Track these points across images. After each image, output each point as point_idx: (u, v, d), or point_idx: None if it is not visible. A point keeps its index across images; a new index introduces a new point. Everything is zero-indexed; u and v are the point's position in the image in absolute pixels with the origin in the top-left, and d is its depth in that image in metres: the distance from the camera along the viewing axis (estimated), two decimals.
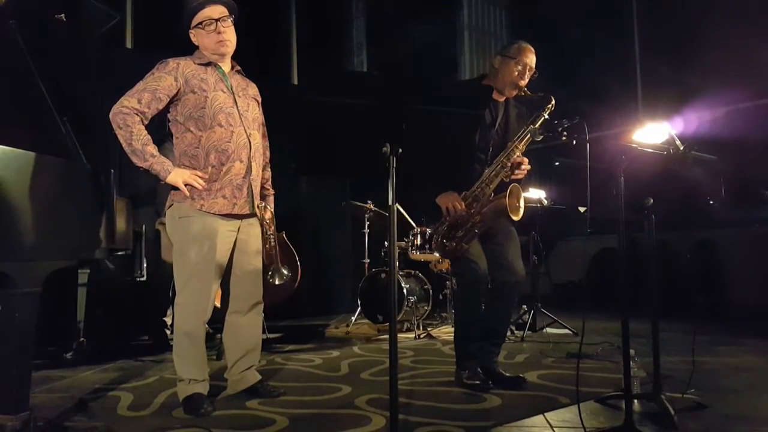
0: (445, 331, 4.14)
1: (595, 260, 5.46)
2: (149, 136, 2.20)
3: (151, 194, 3.88)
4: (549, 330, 4.05)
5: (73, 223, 2.03)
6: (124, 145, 2.18)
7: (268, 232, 2.53)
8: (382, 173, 1.64)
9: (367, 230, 4.55)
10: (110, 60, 4.18)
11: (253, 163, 2.32)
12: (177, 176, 2.19)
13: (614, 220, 2.06)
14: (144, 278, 3.69)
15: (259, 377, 2.47)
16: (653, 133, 2.40)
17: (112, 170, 2.16)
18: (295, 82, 5.91)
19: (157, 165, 2.18)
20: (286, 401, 2.39)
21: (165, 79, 2.21)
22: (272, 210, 2.56)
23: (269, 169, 2.57)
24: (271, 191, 2.59)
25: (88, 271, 3.37)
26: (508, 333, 3.79)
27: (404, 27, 5.95)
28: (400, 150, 1.63)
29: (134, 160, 2.18)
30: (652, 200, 2.21)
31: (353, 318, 4.41)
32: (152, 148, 2.18)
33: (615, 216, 2.05)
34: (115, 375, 2.95)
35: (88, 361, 3.25)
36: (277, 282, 2.74)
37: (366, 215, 4.50)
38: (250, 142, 2.31)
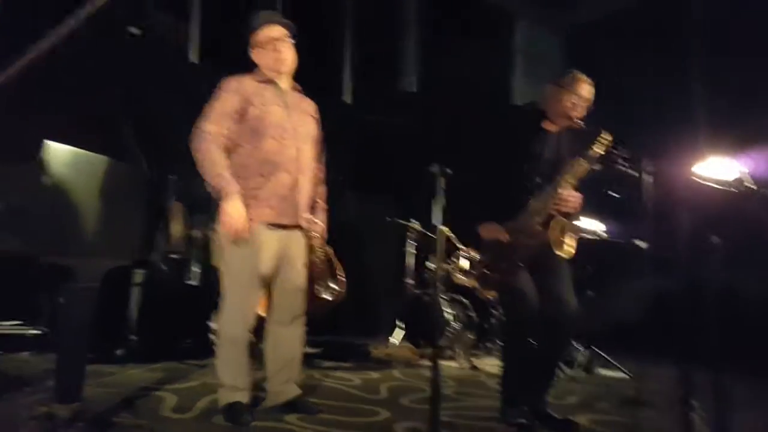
0: (491, 363, 3.99)
1: (654, 300, 5.19)
2: (222, 158, 2.26)
3: (206, 201, 3.99)
4: (603, 371, 3.86)
5: (133, 224, 2.12)
6: (198, 165, 2.27)
7: (317, 246, 2.54)
8: (429, 193, 1.64)
9: (410, 249, 4.49)
10: (176, 72, 4.39)
11: (300, 177, 2.36)
12: (229, 206, 2.21)
13: (676, 257, 1.96)
14: (195, 282, 3.80)
15: (299, 392, 2.47)
16: (719, 168, 2.28)
17: (171, 176, 2.25)
18: (348, 101, 6.00)
19: (220, 188, 2.23)
20: (324, 419, 2.37)
21: (230, 98, 2.32)
22: (322, 224, 2.58)
23: (323, 186, 2.61)
24: (323, 206, 2.62)
25: (143, 271, 3.50)
26: (559, 371, 3.63)
27: (456, 49, 5.95)
28: (449, 171, 1.63)
29: (206, 179, 2.27)
30: (717, 239, 2.09)
31: (394, 340, 4.35)
32: (221, 169, 2.23)
33: (677, 253, 1.95)
34: (161, 375, 3.03)
35: (136, 360, 3.35)
36: (326, 297, 2.74)
37: (410, 234, 4.46)
38: (298, 155, 2.35)
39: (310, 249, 2.50)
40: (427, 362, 3.96)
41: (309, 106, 2.52)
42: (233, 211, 2.20)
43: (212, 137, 2.26)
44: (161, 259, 2.36)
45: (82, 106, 2.21)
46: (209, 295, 3.88)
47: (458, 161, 1.64)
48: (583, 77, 2.53)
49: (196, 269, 3.76)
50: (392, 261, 5.49)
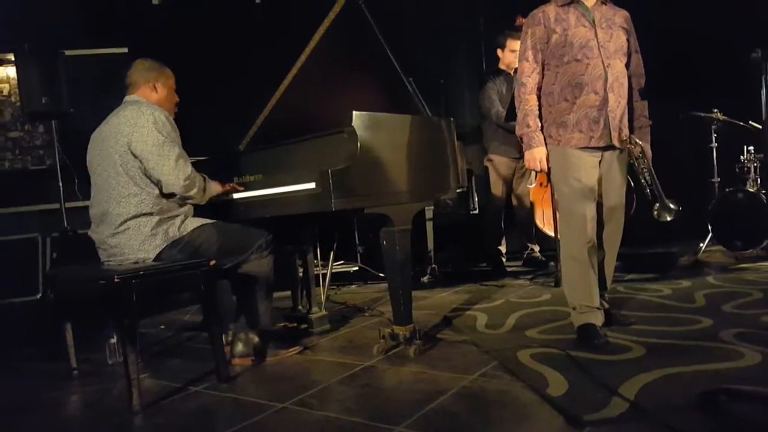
0: None
1: None
2: (532, 108, 2.33)
3: (476, 133, 4.15)
4: None
5: (432, 169, 2.37)
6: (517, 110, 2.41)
7: (642, 167, 2.41)
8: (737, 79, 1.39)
9: (714, 144, 3.89)
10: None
11: (610, 94, 2.24)
12: (528, 155, 2.34)
13: None
14: (476, 211, 4.04)
15: (607, 305, 2.44)
16: None
17: (451, 118, 2.40)
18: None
19: (527, 138, 2.35)
20: (639, 330, 2.32)
21: (537, 31, 2.33)
22: (641, 143, 2.40)
23: (642, 100, 2.42)
24: (646, 122, 2.44)
25: (432, 207, 3.86)
26: None
27: None
28: None
29: (517, 127, 2.40)
30: None
31: (702, 245, 3.90)
32: (531, 120, 2.33)
33: None
34: (466, 297, 3.35)
35: (441, 284, 3.77)
36: (668, 219, 2.59)
37: (713, 127, 3.84)
38: (606, 73, 2.23)
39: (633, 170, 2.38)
40: (746, 265, 3.49)
41: (620, 17, 2.35)
42: (532, 160, 2.38)
43: (526, 89, 2.34)
44: (455, 195, 2.56)
45: (368, 72, 2.48)
46: (492, 221, 4.11)
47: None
48: None
49: (476, 199, 3.98)
50: (692, 160, 4.82)
